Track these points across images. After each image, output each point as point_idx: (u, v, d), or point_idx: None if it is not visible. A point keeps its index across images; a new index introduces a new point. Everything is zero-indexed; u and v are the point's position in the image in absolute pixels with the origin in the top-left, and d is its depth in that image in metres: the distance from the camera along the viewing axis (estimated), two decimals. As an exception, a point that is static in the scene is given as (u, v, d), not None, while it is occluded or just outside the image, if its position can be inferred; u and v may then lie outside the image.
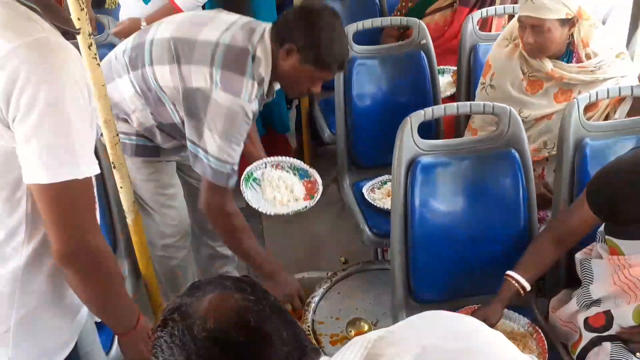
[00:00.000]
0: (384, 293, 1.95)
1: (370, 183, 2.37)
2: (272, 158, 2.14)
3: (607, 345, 1.51)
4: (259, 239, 2.63)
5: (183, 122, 1.78)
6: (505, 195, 1.76)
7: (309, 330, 1.81)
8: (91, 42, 1.46)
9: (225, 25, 1.69)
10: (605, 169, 1.57)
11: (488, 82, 2.13)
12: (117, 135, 1.64)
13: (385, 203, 2.24)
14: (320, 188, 2.08)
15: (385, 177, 2.35)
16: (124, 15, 2.86)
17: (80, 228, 1.08)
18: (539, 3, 1.87)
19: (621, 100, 1.92)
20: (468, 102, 1.81)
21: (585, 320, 1.58)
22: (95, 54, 1.48)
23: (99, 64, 1.50)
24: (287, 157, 2.17)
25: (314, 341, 1.76)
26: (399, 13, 2.88)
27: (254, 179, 2.07)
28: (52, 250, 1.09)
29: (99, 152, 1.91)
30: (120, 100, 1.84)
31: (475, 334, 0.90)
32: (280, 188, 2.07)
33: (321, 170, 3.02)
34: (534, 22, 1.90)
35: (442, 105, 1.79)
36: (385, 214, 2.10)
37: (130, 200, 1.76)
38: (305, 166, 2.16)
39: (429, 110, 1.74)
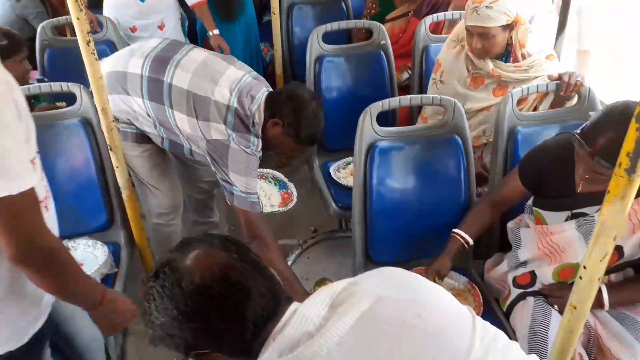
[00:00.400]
0: (347, 257, 1.98)
1: (336, 164, 2.39)
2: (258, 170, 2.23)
3: (530, 299, 1.56)
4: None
5: (191, 151, 1.83)
6: (450, 174, 1.79)
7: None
8: (89, 39, 1.44)
9: (234, 84, 1.71)
10: (534, 150, 1.60)
11: (438, 78, 2.15)
12: (113, 121, 1.63)
13: (348, 181, 2.26)
14: (295, 200, 2.16)
15: (349, 159, 2.37)
16: (112, 12, 2.72)
17: (27, 233, 1.00)
18: (483, 14, 1.88)
19: (546, 94, 1.96)
20: (419, 95, 1.83)
21: (514, 278, 1.63)
22: (94, 50, 1.46)
23: (97, 59, 1.49)
24: (271, 170, 2.27)
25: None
26: (364, 19, 2.87)
27: None
28: (6, 256, 1.01)
29: (97, 135, 1.88)
30: (128, 110, 1.81)
31: (421, 287, 0.93)
32: (259, 196, 2.13)
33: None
34: (481, 30, 1.91)
35: (398, 98, 1.80)
36: (348, 190, 2.10)
37: (125, 178, 1.75)
38: (286, 179, 2.25)
39: (386, 101, 1.76)
